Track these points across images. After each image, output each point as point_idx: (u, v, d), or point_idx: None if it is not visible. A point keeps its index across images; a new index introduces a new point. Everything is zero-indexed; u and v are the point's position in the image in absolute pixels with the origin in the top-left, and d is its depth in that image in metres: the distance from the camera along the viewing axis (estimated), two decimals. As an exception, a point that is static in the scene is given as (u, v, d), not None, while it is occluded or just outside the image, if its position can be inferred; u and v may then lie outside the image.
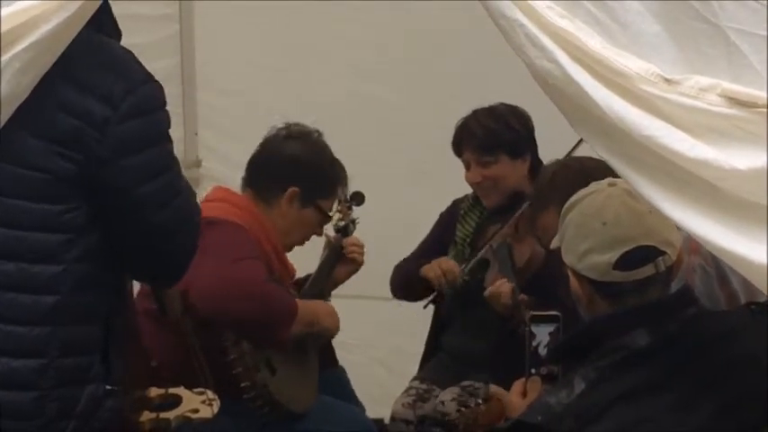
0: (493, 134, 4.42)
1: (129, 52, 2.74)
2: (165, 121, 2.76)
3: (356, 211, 4.52)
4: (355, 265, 4.42)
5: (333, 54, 5.61)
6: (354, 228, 4.48)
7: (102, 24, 2.73)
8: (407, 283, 4.62)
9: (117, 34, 2.80)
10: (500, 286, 4.18)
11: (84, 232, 2.65)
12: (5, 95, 2.45)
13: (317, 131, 4.22)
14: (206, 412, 3.20)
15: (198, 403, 3.22)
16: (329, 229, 4.43)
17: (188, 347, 3.43)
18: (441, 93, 5.43)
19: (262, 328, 3.85)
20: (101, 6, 2.67)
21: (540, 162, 4.45)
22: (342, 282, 4.43)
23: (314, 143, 4.19)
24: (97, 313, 2.71)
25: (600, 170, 3.26)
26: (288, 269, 4.20)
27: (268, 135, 4.24)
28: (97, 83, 2.59)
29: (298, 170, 4.11)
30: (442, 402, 4.31)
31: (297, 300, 4.02)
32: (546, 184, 3.81)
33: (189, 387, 3.26)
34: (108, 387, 2.72)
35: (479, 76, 5.27)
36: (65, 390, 2.66)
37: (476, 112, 4.49)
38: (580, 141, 3.98)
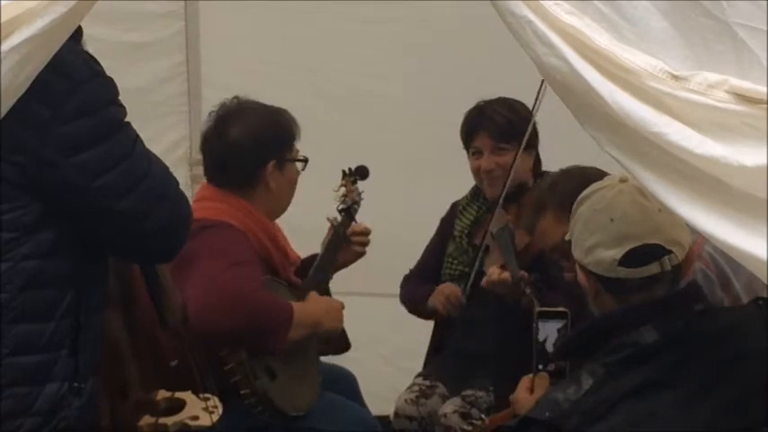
0: (511, 123, 4.41)
1: (80, 49, 2.71)
2: (116, 115, 2.72)
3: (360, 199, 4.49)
4: (358, 254, 4.40)
5: (338, 51, 5.61)
6: (359, 205, 4.44)
7: None
8: (415, 308, 4.64)
9: (76, 30, 2.71)
10: (494, 274, 4.16)
11: (34, 230, 2.64)
12: (4, 88, 2.44)
13: (236, 97, 4.17)
14: (205, 420, 3.18)
15: (199, 410, 3.20)
16: (333, 212, 4.40)
17: (191, 354, 3.42)
18: (446, 90, 5.43)
19: (255, 339, 3.81)
20: None
21: (540, 158, 4.47)
22: (346, 266, 4.40)
23: (253, 113, 4.13)
24: (60, 309, 2.67)
25: (600, 177, 3.28)
26: (289, 258, 4.17)
27: (205, 132, 4.17)
28: (38, 83, 2.51)
29: (266, 145, 4.06)
30: (445, 415, 4.30)
31: (296, 304, 3.97)
32: (545, 189, 3.82)
33: (195, 392, 3.25)
34: (75, 385, 2.69)
35: (483, 73, 5.27)
36: (19, 388, 2.63)
37: (490, 102, 4.48)
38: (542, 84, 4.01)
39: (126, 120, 2.75)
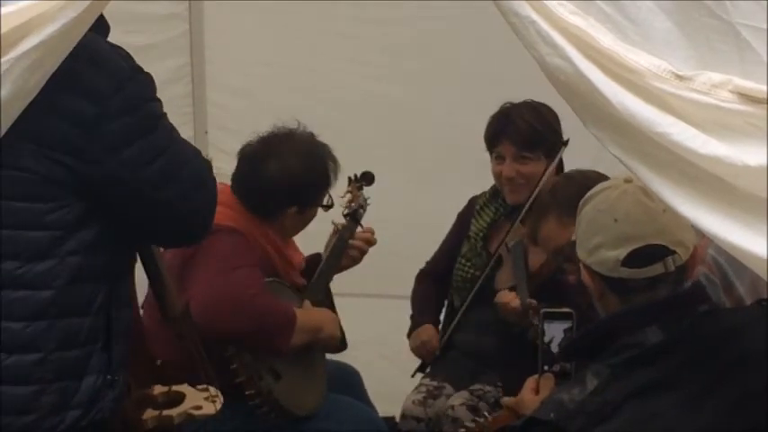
0: (537, 132, 4.35)
1: (116, 47, 2.75)
2: (157, 110, 2.78)
3: (366, 201, 4.48)
4: (354, 260, 4.40)
5: (342, 53, 5.61)
6: (365, 210, 4.43)
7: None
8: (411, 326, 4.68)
9: (104, 28, 2.79)
10: (504, 297, 4.17)
11: (77, 227, 2.69)
12: (14, 93, 2.45)
13: (291, 130, 4.12)
14: (209, 409, 3.19)
15: (201, 400, 3.21)
16: (338, 216, 4.39)
17: (189, 346, 3.41)
18: (450, 92, 5.43)
19: (258, 342, 3.84)
20: None
21: (563, 167, 4.43)
22: (342, 270, 4.39)
23: (296, 151, 4.08)
24: (96, 304, 2.73)
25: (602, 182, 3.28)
26: (293, 264, 4.17)
27: (245, 151, 4.13)
28: (83, 82, 2.60)
29: (296, 192, 4.05)
30: (452, 407, 4.30)
31: (299, 309, 4.00)
32: (546, 193, 3.82)
33: (192, 384, 3.25)
34: (109, 377, 2.75)
35: (485, 74, 5.27)
36: (63, 382, 2.69)
37: (517, 106, 4.42)
38: None
39: (163, 111, 2.81)
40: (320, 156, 4.11)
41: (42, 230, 2.67)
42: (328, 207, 4.15)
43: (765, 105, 2.16)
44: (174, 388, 3.19)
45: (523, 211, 4.30)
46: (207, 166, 2.93)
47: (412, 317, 4.67)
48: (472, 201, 4.67)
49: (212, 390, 3.25)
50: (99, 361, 2.74)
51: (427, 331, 4.56)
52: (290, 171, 4.04)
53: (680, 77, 2.19)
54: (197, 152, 2.91)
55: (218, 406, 3.21)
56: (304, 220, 4.13)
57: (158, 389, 3.16)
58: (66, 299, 2.69)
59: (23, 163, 2.64)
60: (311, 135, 4.13)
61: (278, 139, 4.11)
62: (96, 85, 2.63)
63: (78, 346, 2.71)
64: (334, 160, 4.12)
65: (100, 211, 2.73)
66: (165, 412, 3.10)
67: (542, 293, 4.09)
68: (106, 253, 2.75)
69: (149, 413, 3.08)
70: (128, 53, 2.77)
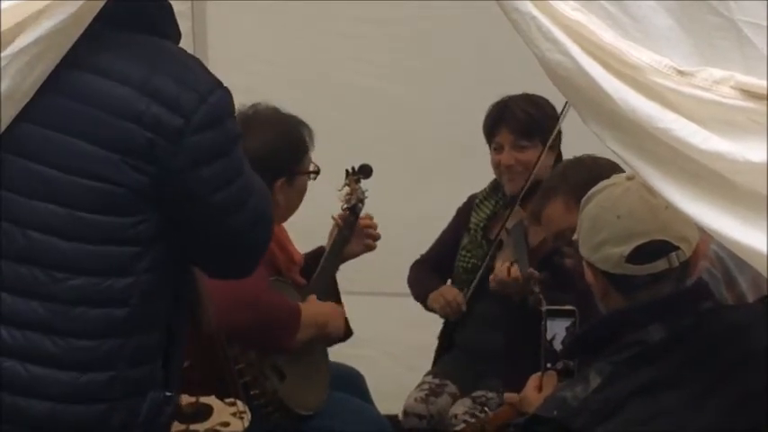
0: (534, 120, 4.43)
1: (195, 58, 2.70)
2: (236, 128, 2.71)
3: (364, 193, 4.46)
4: (368, 247, 4.38)
5: (344, 52, 5.62)
6: (363, 204, 4.42)
7: (166, 29, 2.71)
8: (417, 297, 4.66)
9: (177, 35, 2.76)
10: (503, 272, 4.18)
11: (153, 243, 2.63)
12: (12, 89, 2.44)
13: (254, 106, 4.13)
14: (237, 426, 3.13)
15: (228, 415, 3.15)
16: (338, 210, 4.38)
17: (219, 357, 3.39)
18: (450, 91, 5.44)
19: (264, 340, 3.83)
20: (160, 9, 2.68)
21: (561, 156, 4.47)
22: (353, 257, 4.37)
23: (265, 126, 4.08)
24: (161, 321, 2.69)
25: (613, 168, 3.28)
26: (293, 259, 4.16)
27: None
28: (168, 92, 2.55)
29: (275, 163, 4.01)
30: (455, 416, 4.30)
31: (303, 304, 3.99)
32: (557, 175, 3.83)
33: (218, 395, 3.22)
34: (168, 393, 2.71)
35: (490, 75, 5.27)
36: (131, 400, 2.65)
37: (513, 98, 4.49)
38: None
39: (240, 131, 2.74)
40: (291, 123, 4.11)
41: (124, 245, 2.60)
42: (316, 174, 4.11)
43: (766, 101, 2.16)
44: (202, 400, 3.14)
45: (521, 195, 4.33)
46: (270, 201, 2.83)
47: (415, 288, 4.66)
48: (472, 197, 4.70)
49: (240, 405, 3.21)
50: (159, 377, 2.70)
51: (451, 290, 4.53)
52: (265, 143, 4.00)
53: (681, 73, 2.19)
54: (262, 184, 2.81)
55: (246, 423, 3.17)
56: (296, 192, 4.10)
57: (185, 399, 3.12)
58: (139, 317, 2.63)
59: (108, 175, 2.56)
60: (276, 108, 4.15)
61: (245, 118, 4.08)
62: (180, 96, 2.56)
63: (145, 363, 2.66)
64: (307, 126, 4.11)
65: (171, 227, 2.65)
66: (192, 426, 3.05)
67: (542, 268, 4.10)
68: (173, 270, 2.69)
69: (176, 426, 3.02)
70: (203, 64, 2.71)
